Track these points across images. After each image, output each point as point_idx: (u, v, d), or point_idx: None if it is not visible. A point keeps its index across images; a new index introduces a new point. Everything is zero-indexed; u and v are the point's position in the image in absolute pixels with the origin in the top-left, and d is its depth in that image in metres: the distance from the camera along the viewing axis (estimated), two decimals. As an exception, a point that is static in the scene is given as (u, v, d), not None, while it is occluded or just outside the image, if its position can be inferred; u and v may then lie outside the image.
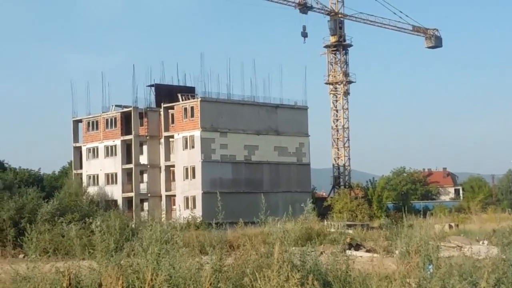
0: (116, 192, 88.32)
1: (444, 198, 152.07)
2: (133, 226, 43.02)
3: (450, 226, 56.80)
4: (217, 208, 14.90)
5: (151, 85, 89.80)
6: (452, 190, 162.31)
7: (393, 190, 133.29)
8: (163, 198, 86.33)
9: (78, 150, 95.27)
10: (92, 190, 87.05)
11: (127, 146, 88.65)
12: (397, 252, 18.22)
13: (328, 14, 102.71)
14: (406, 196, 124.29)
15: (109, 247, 14.01)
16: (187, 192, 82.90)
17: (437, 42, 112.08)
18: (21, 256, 41.59)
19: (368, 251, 39.12)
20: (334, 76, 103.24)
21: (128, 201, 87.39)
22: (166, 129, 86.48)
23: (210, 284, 10.59)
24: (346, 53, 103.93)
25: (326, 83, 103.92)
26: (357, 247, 40.76)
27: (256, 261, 13.40)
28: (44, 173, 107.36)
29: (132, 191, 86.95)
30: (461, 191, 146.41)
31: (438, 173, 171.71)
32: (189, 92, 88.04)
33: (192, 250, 14.29)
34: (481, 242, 42.37)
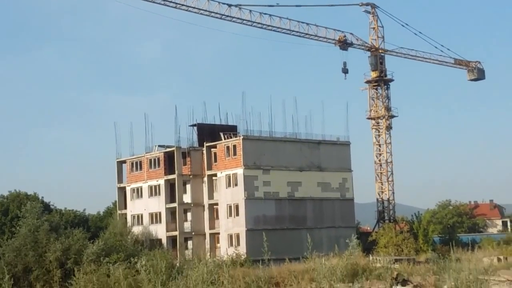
0: (160, 231, 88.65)
1: (492, 230, 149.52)
2: (177, 265, 43.10)
3: (499, 259, 55.77)
4: (263, 249, 14.86)
5: (194, 125, 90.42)
6: (499, 222, 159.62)
7: (439, 223, 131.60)
8: (207, 236, 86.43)
9: (122, 191, 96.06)
10: (136, 229, 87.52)
11: (170, 185, 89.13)
12: (445, 287, 17.98)
13: (368, 50, 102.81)
14: (452, 229, 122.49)
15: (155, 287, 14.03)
16: (231, 230, 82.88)
17: (480, 75, 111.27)
18: (68, 297, 41.86)
19: (415, 286, 38.61)
20: (376, 111, 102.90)
21: (172, 240, 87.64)
22: (209, 168, 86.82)
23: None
24: (387, 88, 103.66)
25: (368, 118, 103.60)
26: (404, 282, 40.22)
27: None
28: (89, 213, 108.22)
29: (176, 230, 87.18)
30: (509, 223, 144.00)
31: (485, 205, 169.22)
32: (231, 130, 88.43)
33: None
34: (531, 276, 41.54)
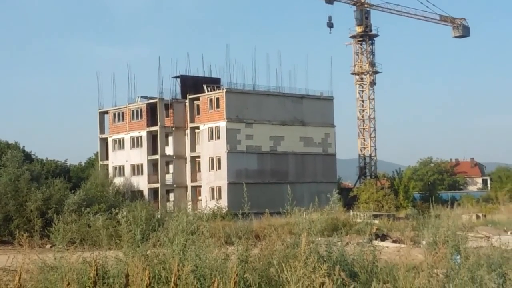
0: (142, 183, 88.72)
1: (472, 188, 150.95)
2: (159, 216, 43.12)
3: (478, 217, 56.43)
4: (243, 199, 14.87)
5: (177, 77, 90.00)
6: (479, 180, 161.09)
7: (420, 180, 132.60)
8: (189, 188, 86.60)
9: (104, 142, 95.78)
10: (118, 181, 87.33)
11: (152, 137, 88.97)
12: (424, 242, 18.08)
13: (354, 4, 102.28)
14: (433, 186, 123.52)
15: (135, 238, 14.01)
16: (212, 183, 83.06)
17: (465, 32, 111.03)
18: (48, 246, 41.87)
19: (394, 241, 38.96)
20: (360, 67, 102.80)
21: (154, 192, 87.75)
22: (192, 120, 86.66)
23: (237, 274, 10.51)
24: (372, 43, 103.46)
25: (352, 74, 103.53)
26: (383, 237, 40.60)
27: (282, 251, 13.32)
28: (71, 164, 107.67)
29: (157, 182, 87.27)
30: (488, 181, 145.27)
31: (466, 163, 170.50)
32: (214, 83, 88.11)
33: (218, 241, 14.25)
34: (509, 233, 42.06)
